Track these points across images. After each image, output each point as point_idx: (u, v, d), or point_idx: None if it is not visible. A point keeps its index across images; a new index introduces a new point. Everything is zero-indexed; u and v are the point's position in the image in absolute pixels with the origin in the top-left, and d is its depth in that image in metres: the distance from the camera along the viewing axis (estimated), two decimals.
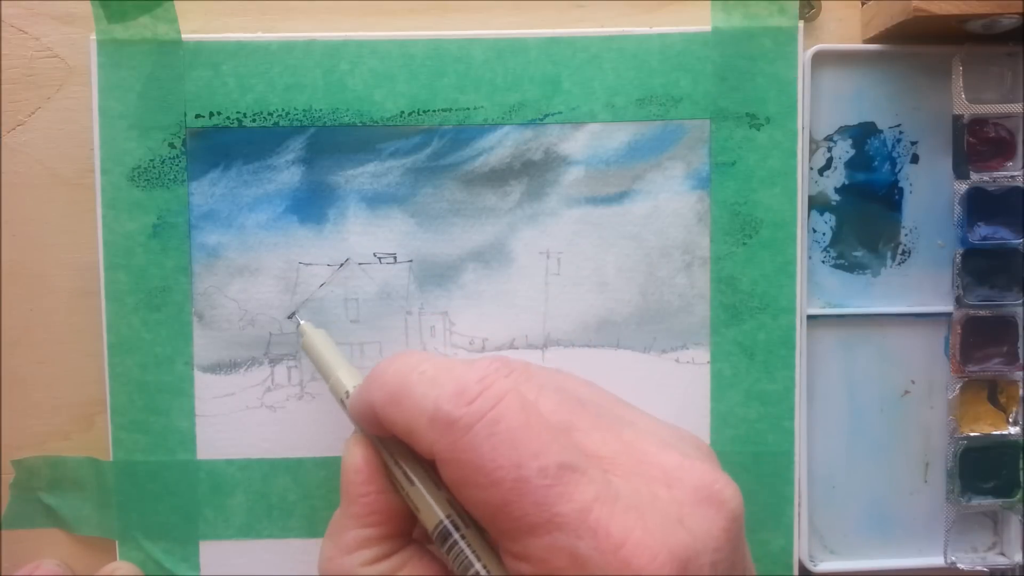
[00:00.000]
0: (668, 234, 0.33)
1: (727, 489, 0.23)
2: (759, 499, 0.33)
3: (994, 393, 0.35)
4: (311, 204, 0.33)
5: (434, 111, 0.33)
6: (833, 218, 0.34)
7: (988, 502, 0.34)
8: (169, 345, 0.33)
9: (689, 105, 0.33)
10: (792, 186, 0.33)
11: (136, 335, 0.33)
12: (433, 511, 0.24)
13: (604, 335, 0.33)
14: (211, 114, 0.32)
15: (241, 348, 0.33)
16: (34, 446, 0.34)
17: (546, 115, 0.33)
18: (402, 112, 0.33)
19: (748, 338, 0.33)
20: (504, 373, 0.23)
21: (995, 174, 0.34)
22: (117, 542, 0.33)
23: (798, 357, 0.33)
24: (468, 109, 0.33)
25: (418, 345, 0.33)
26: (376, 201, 0.33)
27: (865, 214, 0.35)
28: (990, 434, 0.34)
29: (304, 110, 0.32)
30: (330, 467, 0.33)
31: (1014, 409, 0.35)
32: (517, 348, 0.33)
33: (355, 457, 0.26)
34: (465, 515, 0.24)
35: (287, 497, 0.33)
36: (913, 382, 0.35)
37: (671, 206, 0.33)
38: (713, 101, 0.33)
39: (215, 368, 0.33)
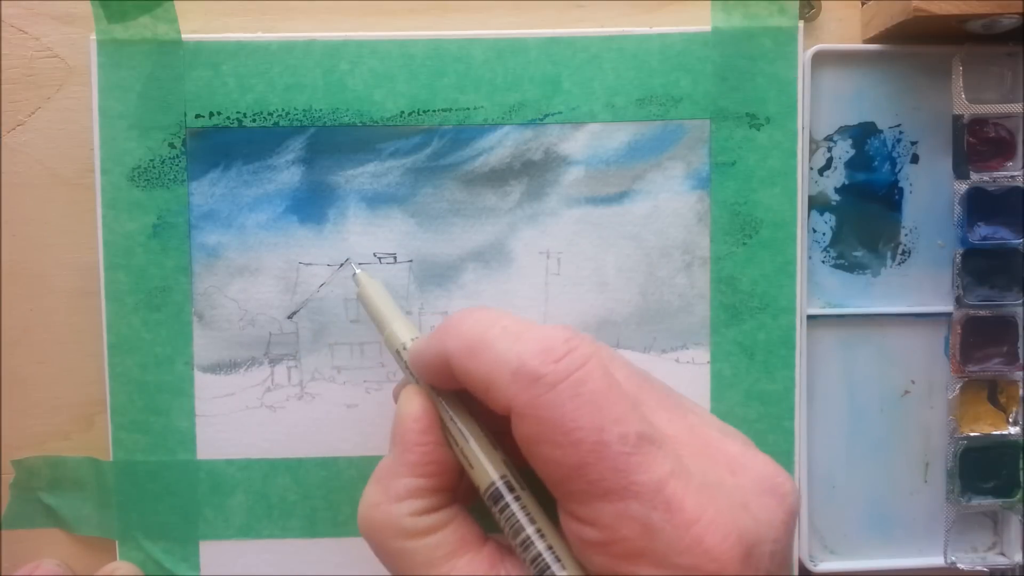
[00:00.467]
0: (668, 234, 0.33)
1: (787, 483, 0.23)
2: None
3: (994, 393, 0.35)
4: (311, 204, 0.33)
5: (434, 111, 0.33)
6: (833, 218, 0.34)
7: (988, 502, 0.34)
8: (169, 345, 0.33)
9: (689, 105, 0.33)
10: (792, 186, 0.33)
11: (136, 335, 0.33)
12: (487, 470, 0.24)
13: (604, 335, 0.33)
14: (211, 114, 0.32)
15: (241, 348, 0.33)
16: (34, 446, 0.34)
17: (546, 115, 0.33)
18: (402, 112, 0.33)
19: (748, 338, 0.33)
20: (581, 337, 0.23)
21: (995, 174, 0.34)
22: (117, 542, 0.33)
23: (798, 357, 0.33)
24: (468, 109, 0.33)
25: None
26: (376, 201, 0.33)
27: (865, 214, 0.35)
28: (990, 434, 0.34)
29: (304, 110, 0.32)
30: (330, 467, 0.33)
31: (1014, 409, 0.35)
32: None
33: (414, 406, 0.26)
34: (520, 477, 0.24)
35: (287, 497, 0.33)
36: (913, 382, 0.35)
37: (671, 206, 0.33)
38: (713, 101, 0.33)
39: (215, 368, 0.33)
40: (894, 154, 0.34)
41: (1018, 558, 0.35)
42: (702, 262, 0.33)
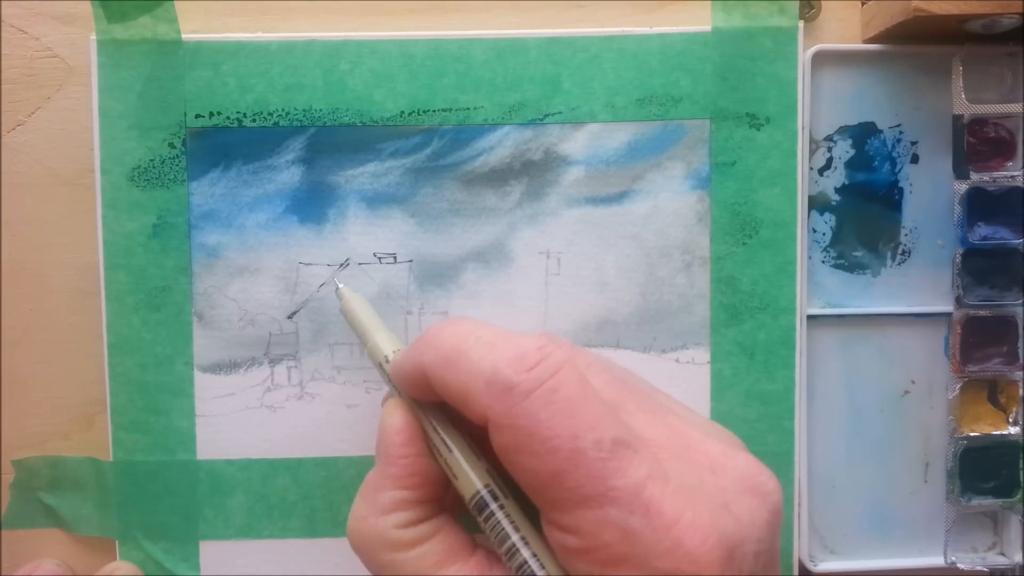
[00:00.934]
0: (668, 234, 0.33)
1: (770, 482, 0.23)
2: None
3: (994, 393, 0.35)
4: (311, 204, 0.33)
5: (434, 111, 0.33)
6: (833, 218, 0.34)
7: (988, 502, 0.34)
8: (169, 345, 0.33)
9: (689, 105, 0.33)
10: (792, 186, 0.33)
11: (136, 335, 0.33)
12: (471, 479, 0.24)
13: (604, 335, 0.33)
14: (211, 114, 0.32)
15: (241, 348, 0.33)
16: (34, 446, 0.34)
17: (546, 115, 0.33)
18: (402, 112, 0.33)
19: (748, 338, 0.33)
20: (557, 344, 0.23)
21: (995, 174, 0.34)
22: (117, 542, 0.33)
23: (798, 357, 0.33)
24: (468, 109, 0.33)
25: None
26: (376, 201, 0.33)
27: (865, 214, 0.35)
28: (990, 434, 0.34)
29: (304, 110, 0.32)
30: (330, 467, 0.33)
31: (1014, 409, 0.35)
32: None
33: (395, 419, 0.26)
34: (504, 486, 0.24)
35: (287, 497, 0.33)
36: (913, 382, 0.35)
37: (671, 206, 0.33)
38: (713, 101, 0.33)
39: (215, 368, 0.33)
40: (894, 154, 0.34)
41: (1018, 558, 0.35)
42: (702, 262, 0.33)
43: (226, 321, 0.33)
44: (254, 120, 0.32)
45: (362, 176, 0.33)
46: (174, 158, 0.32)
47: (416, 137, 0.33)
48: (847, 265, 0.35)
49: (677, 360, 0.34)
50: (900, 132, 0.34)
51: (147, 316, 0.33)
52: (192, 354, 0.33)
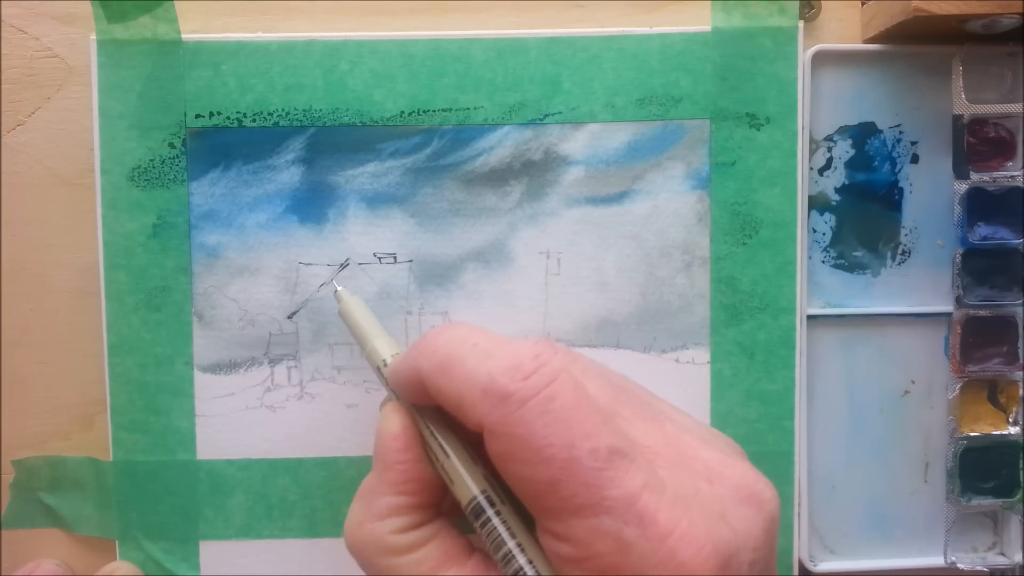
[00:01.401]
0: (668, 234, 0.33)
1: (767, 491, 0.23)
2: None
3: (994, 393, 0.35)
4: (311, 204, 0.33)
5: (434, 111, 0.33)
6: (833, 218, 0.34)
7: (988, 502, 0.34)
8: (169, 345, 0.33)
9: (689, 105, 0.33)
10: (792, 186, 0.33)
11: (136, 335, 0.33)
12: (468, 485, 0.24)
13: (604, 335, 0.33)
14: (211, 114, 0.32)
15: (241, 348, 0.33)
16: (34, 446, 0.34)
17: (546, 115, 0.33)
18: (402, 112, 0.33)
19: (748, 338, 0.33)
20: (553, 352, 0.23)
21: (995, 174, 0.34)
22: (117, 542, 0.33)
23: (798, 357, 0.33)
24: (468, 109, 0.33)
25: None
26: (376, 201, 0.33)
27: (865, 214, 0.35)
28: (990, 434, 0.34)
29: (304, 110, 0.32)
30: (330, 467, 0.33)
31: (1014, 409, 0.35)
32: None
33: (393, 424, 0.26)
34: (500, 492, 0.24)
35: (287, 497, 0.33)
36: (913, 382, 0.35)
37: (671, 206, 0.33)
38: (713, 101, 0.33)
39: (215, 368, 0.33)
40: (894, 154, 0.34)
41: (1018, 558, 0.35)
42: (702, 262, 0.33)
43: (226, 321, 0.33)
44: (254, 120, 0.32)
45: (362, 176, 0.33)
46: (174, 158, 0.32)
47: (416, 137, 0.33)
48: (847, 265, 0.35)
49: (677, 360, 0.34)
50: (900, 132, 0.34)
51: (147, 316, 0.33)
52: (192, 354, 0.33)
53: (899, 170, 0.35)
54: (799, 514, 0.34)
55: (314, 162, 0.33)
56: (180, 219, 0.33)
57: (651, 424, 0.24)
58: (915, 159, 0.34)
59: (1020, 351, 0.34)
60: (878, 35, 0.33)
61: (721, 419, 0.33)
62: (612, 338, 0.33)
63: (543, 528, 0.22)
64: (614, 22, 0.34)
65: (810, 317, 0.34)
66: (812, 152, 0.34)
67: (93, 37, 0.32)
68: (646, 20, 0.34)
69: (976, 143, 0.34)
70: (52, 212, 0.33)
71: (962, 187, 0.33)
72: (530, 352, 0.22)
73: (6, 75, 0.33)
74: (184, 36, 0.32)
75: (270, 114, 0.32)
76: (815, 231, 0.34)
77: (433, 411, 0.26)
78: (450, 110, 0.33)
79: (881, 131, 0.34)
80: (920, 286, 0.35)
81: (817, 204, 0.34)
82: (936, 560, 0.35)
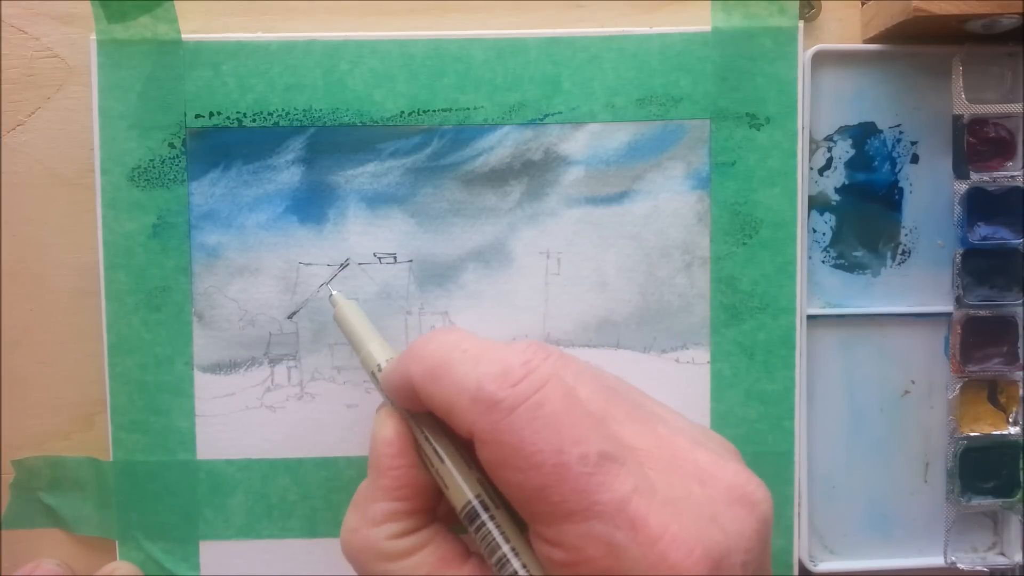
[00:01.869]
0: (668, 234, 0.33)
1: (759, 491, 0.23)
2: None
3: (994, 393, 0.35)
4: (311, 204, 0.33)
5: (434, 111, 0.33)
6: (833, 218, 0.34)
7: (988, 502, 0.34)
8: (169, 345, 0.33)
9: (689, 105, 0.33)
10: (792, 186, 0.33)
11: (136, 335, 0.33)
12: (462, 490, 0.24)
13: (604, 335, 0.33)
14: (211, 114, 0.32)
15: (241, 348, 0.33)
16: (34, 446, 0.34)
17: (546, 115, 0.33)
18: (402, 112, 0.33)
19: (748, 338, 0.33)
20: (543, 357, 0.23)
21: (995, 174, 0.34)
22: (117, 542, 0.33)
23: (798, 357, 0.33)
24: (468, 109, 0.33)
25: None
26: (376, 201, 0.33)
27: (865, 214, 0.35)
28: (990, 434, 0.34)
29: (304, 110, 0.32)
30: (330, 467, 0.33)
31: (1014, 409, 0.35)
32: None
33: (386, 430, 0.26)
34: (495, 496, 0.24)
35: (287, 497, 0.33)
36: (913, 382, 0.35)
37: (671, 206, 0.33)
38: (713, 101, 0.33)
39: (215, 368, 0.33)
40: (894, 154, 0.34)
41: (1018, 558, 0.35)
42: (702, 262, 0.33)
43: (226, 321, 0.33)
44: (254, 120, 0.32)
45: (362, 176, 0.33)
46: (174, 158, 0.32)
47: (416, 137, 0.33)
48: (847, 265, 0.35)
49: (677, 360, 0.34)
50: (900, 132, 0.34)
51: (147, 316, 0.33)
52: (192, 354, 0.33)
53: (899, 170, 0.35)
54: (799, 514, 0.34)
55: (314, 162, 0.33)
56: (180, 219, 0.33)
57: (644, 426, 0.24)
58: (915, 159, 0.34)
59: (1020, 351, 0.34)
60: (878, 35, 0.33)
61: (721, 419, 0.33)
62: (612, 338, 0.33)
63: (535, 533, 0.22)
64: (614, 22, 0.34)
65: (810, 317, 0.34)
66: (812, 152, 0.34)
67: (93, 37, 0.32)
68: (646, 20, 0.34)
69: (976, 143, 0.34)
70: (52, 212, 0.33)
71: (962, 187, 0.33)
72: (519, 358, 0.22)
73: (6, 75, 0.33)
74: (184, 36, 0.32)
75: (270, 114, 0.32)
76: (815, 231, 0.34)
77: (427, 416, 0.25)
78: (450, 110, 0.33)
79: (881, 131, 0.34)
80: (920, 286, 0.35)
81: (817, 204, 0.34)
82: (936, 560, 0.35)
